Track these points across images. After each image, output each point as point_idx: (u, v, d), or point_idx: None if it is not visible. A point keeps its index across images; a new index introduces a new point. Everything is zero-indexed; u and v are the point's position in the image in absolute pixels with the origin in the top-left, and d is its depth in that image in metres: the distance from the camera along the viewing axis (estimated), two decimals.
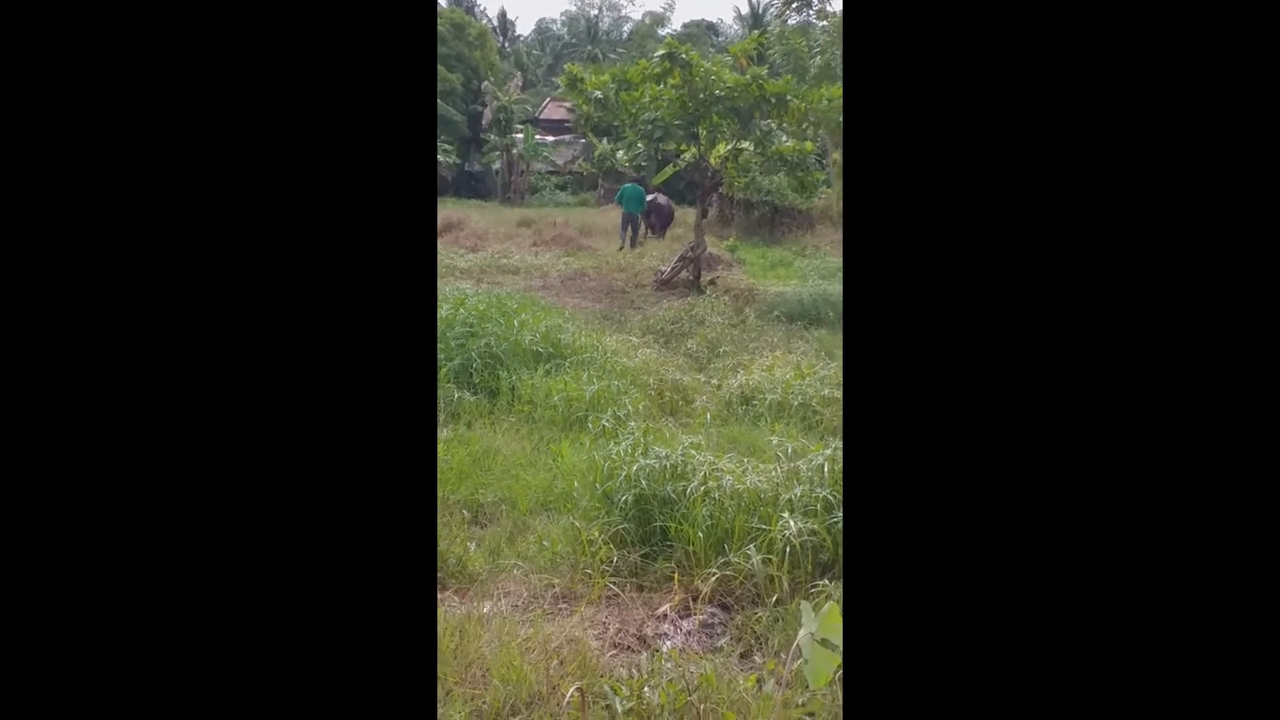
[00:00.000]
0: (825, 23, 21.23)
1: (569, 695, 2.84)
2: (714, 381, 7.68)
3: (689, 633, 3.63)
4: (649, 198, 19.18)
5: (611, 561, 4.05)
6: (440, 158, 29.88)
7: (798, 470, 4.41)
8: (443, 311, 7.96)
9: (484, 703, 2.93)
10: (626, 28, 52.30)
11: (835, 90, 12.99)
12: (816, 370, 7.40)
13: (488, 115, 33.44)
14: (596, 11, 52.75)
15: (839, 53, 19.45)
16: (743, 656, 3.43)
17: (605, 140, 26.83)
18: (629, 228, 18.75)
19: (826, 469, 4.31)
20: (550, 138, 34.48)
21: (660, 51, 13.03)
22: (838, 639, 2.35)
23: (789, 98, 12.85)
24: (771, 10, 33.71)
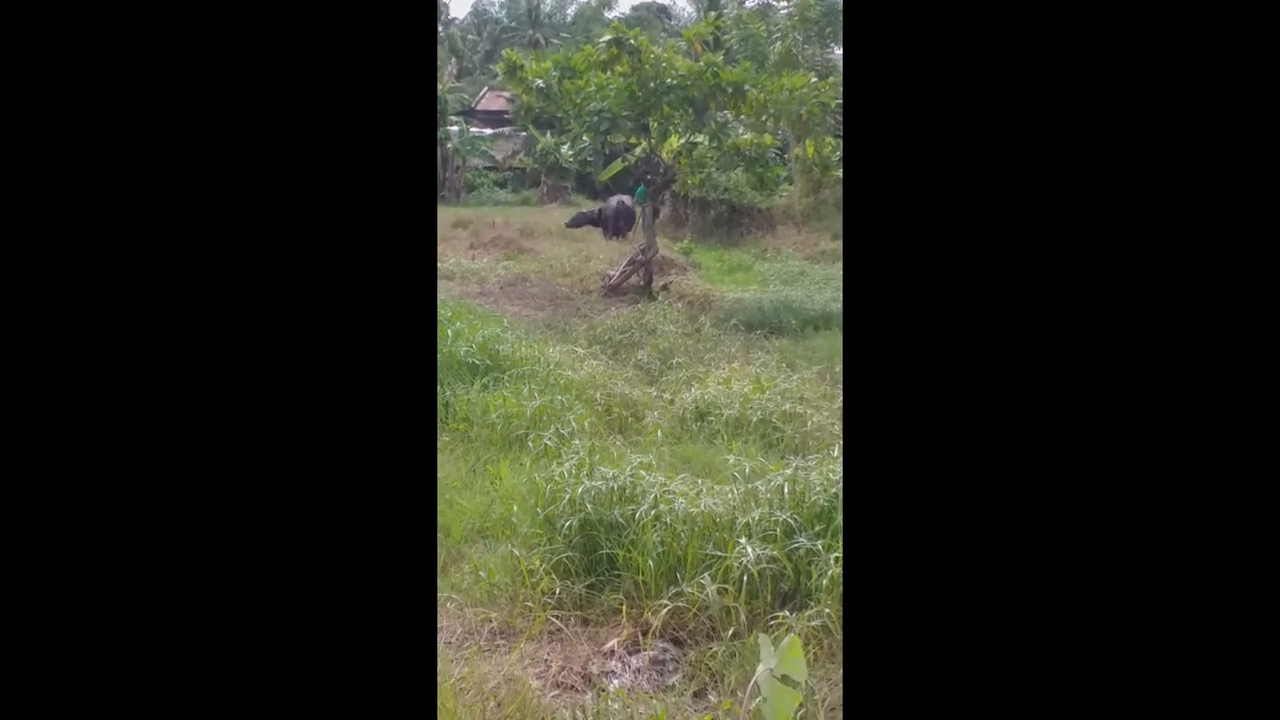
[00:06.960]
0: (786, 5, 21.41)
1: None
2: (666, 396, 7.71)
3: (638, 670, 3.64)
4: (611, 199, 19.10)
5: (554, 593, 4.05)
6: None
7: (756, 492, 4.42)
8: None
9: None
10: (571, 10, 52.23)
11: (797, 79, 13.13)
12: (777, 383, 7.45)
13: None
14: None
15: (800, 38, 19.64)
16: (696, 695, 3.45)
17: (548, 133, 26.73)
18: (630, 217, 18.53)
19: (787, 490, 4.33)
20: (488, 130, 34.32)
21: (607, 36, 13.07)
22: (799, 675, 2.37)
23: (747, 87, 12.95)
24: None
